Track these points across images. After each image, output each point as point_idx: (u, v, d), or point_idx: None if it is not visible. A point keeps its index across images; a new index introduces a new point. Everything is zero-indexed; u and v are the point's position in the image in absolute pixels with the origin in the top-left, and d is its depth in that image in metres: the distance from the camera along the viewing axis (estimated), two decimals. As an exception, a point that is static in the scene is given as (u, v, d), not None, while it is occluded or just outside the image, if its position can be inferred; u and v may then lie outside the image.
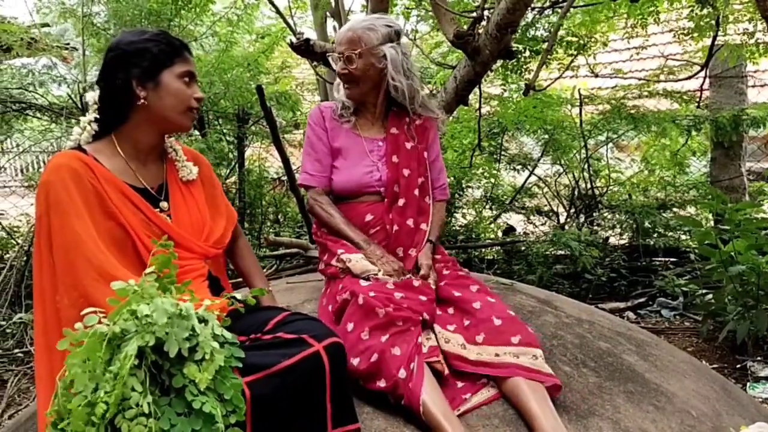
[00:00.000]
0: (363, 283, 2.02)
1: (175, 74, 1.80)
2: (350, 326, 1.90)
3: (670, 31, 5.80)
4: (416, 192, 2.32)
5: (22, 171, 8.47)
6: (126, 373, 1.23)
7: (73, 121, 5.17)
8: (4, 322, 3.98)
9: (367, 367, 1.79)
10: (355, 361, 1.81)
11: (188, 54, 1.86)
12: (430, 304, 2.01)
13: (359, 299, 1.91)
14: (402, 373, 1.75)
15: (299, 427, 1.55)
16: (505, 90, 5.98)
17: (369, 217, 2.27)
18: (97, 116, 1.81)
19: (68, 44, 5.96)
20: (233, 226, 2.08)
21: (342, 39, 2.25)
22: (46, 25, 5.98)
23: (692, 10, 4.76)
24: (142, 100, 1.77)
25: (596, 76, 5.71)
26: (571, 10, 4.61)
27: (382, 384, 1.77)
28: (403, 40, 2.35)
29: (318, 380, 1.56)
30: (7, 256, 5.06)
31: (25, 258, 4.55)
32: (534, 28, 4.78)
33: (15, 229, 5.44)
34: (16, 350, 3.87)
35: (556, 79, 5.01)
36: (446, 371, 1.88)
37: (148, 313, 1.28)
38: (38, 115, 5.39)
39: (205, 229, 1.92)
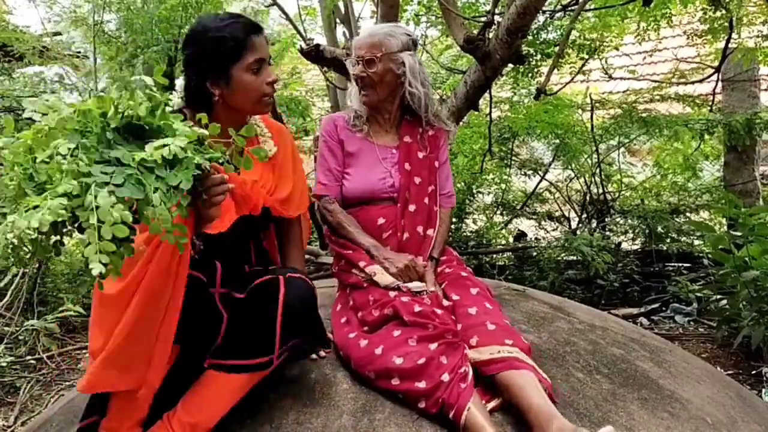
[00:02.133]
0: (403, 298, 2.01)
1: (243, 68, 1.87)
2: (396, 332, 1.90)
3: (684, 33, 5.77)
4: (426, 200, 2.33)
5: (34, 179, 8.52)
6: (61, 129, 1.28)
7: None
8: (16, 329, 3.99)
9: (412, 367, 1.78)
10: (398, 360, 1.81)
11: (256, 38, 1.89)
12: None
13: (405, 319, 1.92)
14: (446, 377, 1.74)
15: (250, 339, 1.73)
16: (515, 94, 5.97)
17: (381, 221, 2.29)
18: (184, 103, 1.96)
19: (79, 53, 6.00)
20: (298, 208, 2.14)
21: (362, 43, 2.28)
22: (58, 33, 6.03)
23: (705, 12, 4.73)
24: (217, 97, 1.89)
25: (610, 77, 5.69)
26: (583, 13, 4.59)
27: (422, 385, 1.76)
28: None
29: (271, 301, 1.72)
30: (20, 263, 5.08)
31: (37, 265, 4.57)
32: (545, 31, 4.77)
33: (27, 236, 5.46)
34: (29, 357, 3.88)
35: (568, 82, 4.99)
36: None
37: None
38: (50, 122, 5.42)
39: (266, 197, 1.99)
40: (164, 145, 1.31)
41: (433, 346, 1.82)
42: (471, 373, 1.79)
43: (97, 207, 1.20)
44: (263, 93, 1.91)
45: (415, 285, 2.10)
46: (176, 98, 1.99)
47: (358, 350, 1.93)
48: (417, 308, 1.93)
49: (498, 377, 1.82)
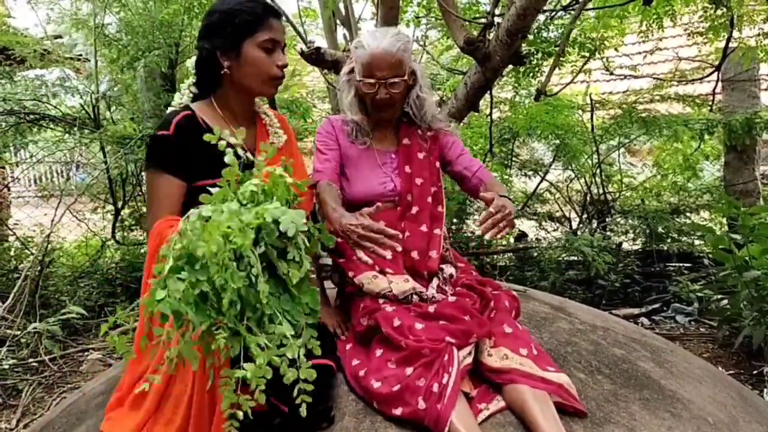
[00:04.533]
0: (387, 308, 1.99)
1: (256, 43, 1.88)
2: (378, 352, 1.90)
3: (685, 32, 5.77)
4: (429, 200, 2.31)
5: (35, 181, 8.53)
6: (258, 223, 1.34)
7: (86, 131, 5.20)
8: (18, 332, 3.99)
9: (388, 393, 1.77)
10: (376, 385, 1.80)
11: (274, 20, 1.92)
12: (454, 324, 1.93)
13: (383, 332, 1.90)
14: (422, 404, 1.72)
15: None
16: (516, 95, 5.97)
17: (381, 224, 2.26)
18: (194, 81, 1.97)
19: (80, 56, 6.00)
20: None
21: (382, 64, 2.13)
22: (59, 36, 6.03)
23: (706, 11, 4.73)
24: (225, 70, 1.90)
25: (611, 73, 5.68)
26: (585, 12, 4.59)
27: (398, 412, 1.75)
28: None
29: None
30: (21, 266, 5.09)
31: (39, 268, 4.57)
32: (546, 30, 4.76)
33: (29, 239, 5.47)
34: (31, 360, 3.88)
35: (568, 83, 4.99)
36: (473, 393, 1.86)
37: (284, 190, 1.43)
38: (52, 125, 5.42)
39: None
40: (294, 260, 1.40)
41: (409, 370, 1.79)
42: (452, 381, 1.75)
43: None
44: (272, 74, 1.93)
45: (401, 290, 2.08)
46: (180, 98, 1.99)
47: (349, 367, 1.94)
48: (396, 322, 1.91)
49: (510, 389, 1.83)
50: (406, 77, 2.19)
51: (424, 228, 2.28)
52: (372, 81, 2.16)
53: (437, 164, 2.39)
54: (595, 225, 6.09)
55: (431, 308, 2.00)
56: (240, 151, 1.69)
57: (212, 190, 1.45)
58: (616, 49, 5.64)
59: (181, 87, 2.00)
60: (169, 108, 2.00)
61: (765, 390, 3.33)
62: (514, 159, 6.31)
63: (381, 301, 2.04)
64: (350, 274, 2.16)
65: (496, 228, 1.87)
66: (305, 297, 1.43)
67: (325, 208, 2.01)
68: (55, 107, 5.43)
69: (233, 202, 1.37)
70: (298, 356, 1.35)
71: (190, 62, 1.99)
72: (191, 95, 2.00)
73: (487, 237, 1.88)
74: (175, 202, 1.86)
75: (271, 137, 2.07)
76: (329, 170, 2.25)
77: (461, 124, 4.63)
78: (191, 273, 1.27)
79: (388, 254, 1.81)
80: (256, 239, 1.35)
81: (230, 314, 1.29)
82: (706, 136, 5.69)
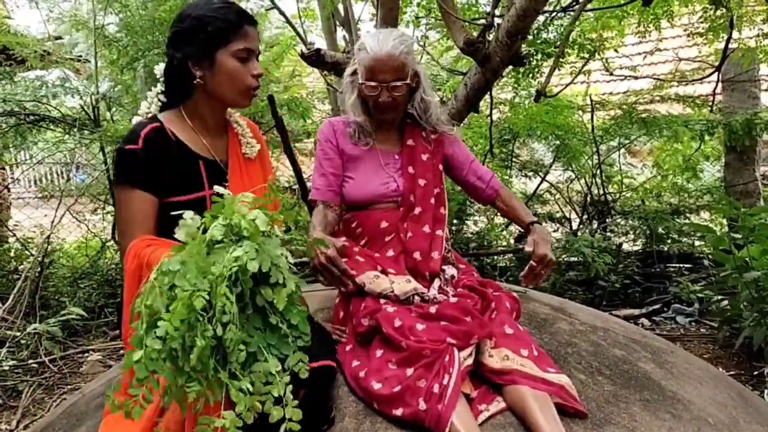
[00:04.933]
0: (389, 308, 1.98)
1: (230, 53, 1.80)
2: (379, 353, 1.89)
3: (685, 32, 5.78)
4: (432, 201, 2.31)
5: (35, 182, 8.53)
6: (228, 274, 1.25)
7: (86, 132, 5.21)
8: (18, 333, 3.99)
9: (389, 394, 1.76)
10: (377, 386, 1.79)
11: (249, 27, 1.84)
12: (455, 324, 1.92)
13: (384, 333, 1.89)
14: (422, 405, 1.71)
15: None
16: (516, 95, 5.97)
17: (384, 224, 2.26)
18: (163, 89, 1.88)
19: (80, 56, 6.01)
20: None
21: (384, 68, 2.13)
22: (59, 37, 6.04)
23: (705, 12, 4.73)
24: (198, 80, 1.81)
25: (611, 74, 5.68)
26: (583, 13, 4.59)
27: (398, 412, 1.74)
28: None
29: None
30: (21, 267, 5.09)
31: (39, 269, 4.57)
32: (545, 31, 4.77)
33: (29, 240, 5.47)
34: (31, 361, 3.88)
35: (568, 84, 4.99)
36: (474, 393, 1.86)
37: (246, 226, 1.32)
38: (52, 126, 5.42)
39: None
40: (278, 283, 1.33)
41: (410, 371, 1.79)
42: (453, 381, 1.74)
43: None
44: (248, 84, 1.85)
45: (403, 291, 2.07)
46: (147, 107, 1.91)
47: (349, 368, 1.94)
48: (397, 322, 1.90)
49: (510, 389, 1.82)
50: (408, 80, 2.18)
51: (426, 229, 2.28)
52: (374, 84, 2.16)
53: (440, 167, 2.39)
54: (595, 226, 6.09)
55: (432, 309, 2.00)
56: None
57: (186, 214, 1.38)
58: (615, 50, 5.64)
59: (148, 95, 1.91)
60: (134, 118, 1.92)
61: (765, 391, 3.33)
62: (514, 160, 6.31)
63: (382, 301, 2.03)
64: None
65: (538, 277, 2.17)
66: (294, 318, 1.37)
67: (311, 232, 2.11)
68: (55, 108, 5.43)
69: (198, 256, 1.28)
70: (285, 393, 1.30)
71: (159, 69, 1.90)
72: (159, 104, 1.91)
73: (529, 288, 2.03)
74: (149, 218, 1.79)
75: (244, 147, 2.00)
76: (325, 187, 2.27)
77: (461, 125, 4.64)
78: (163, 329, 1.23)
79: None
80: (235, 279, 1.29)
81: (208, 366, 1.23)
82: (707, 137, 5.68)
